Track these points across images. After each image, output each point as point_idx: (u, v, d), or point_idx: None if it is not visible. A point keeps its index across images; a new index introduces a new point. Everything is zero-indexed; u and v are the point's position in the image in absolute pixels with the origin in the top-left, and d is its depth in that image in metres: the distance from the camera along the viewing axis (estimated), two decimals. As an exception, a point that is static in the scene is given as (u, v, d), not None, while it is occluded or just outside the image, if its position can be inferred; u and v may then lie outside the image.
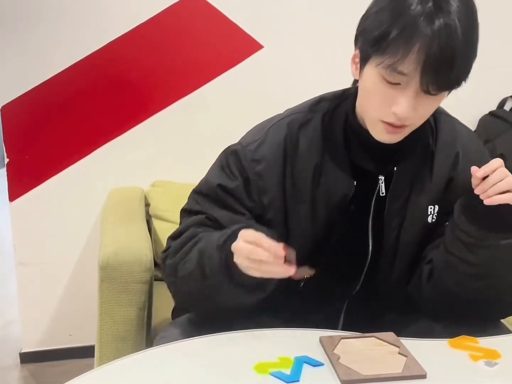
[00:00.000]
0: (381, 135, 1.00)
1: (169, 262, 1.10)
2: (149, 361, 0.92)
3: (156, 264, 1.87)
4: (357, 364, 0.89)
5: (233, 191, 1.09)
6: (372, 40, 0.93)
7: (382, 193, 1.07)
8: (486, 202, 0.93)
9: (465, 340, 0.99)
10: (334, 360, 0.90)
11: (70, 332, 2.28)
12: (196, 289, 1.05)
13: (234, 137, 1.18)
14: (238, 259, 0.94)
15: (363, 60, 0.98)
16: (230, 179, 1.10)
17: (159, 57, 2.14)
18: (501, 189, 0.92)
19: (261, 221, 1.08)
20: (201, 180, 1.17)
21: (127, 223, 1.79)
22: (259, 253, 0.90)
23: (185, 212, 1.17)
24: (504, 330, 1.07)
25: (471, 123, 2.44)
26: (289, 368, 0.89)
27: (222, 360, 0.92)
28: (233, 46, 2.19)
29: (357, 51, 1.00)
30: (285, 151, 1.08)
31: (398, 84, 0.92)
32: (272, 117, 1.16)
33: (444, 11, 0.88)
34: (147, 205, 2.06)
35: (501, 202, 0.93)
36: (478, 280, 1.01)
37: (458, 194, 1.06)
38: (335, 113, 1.09)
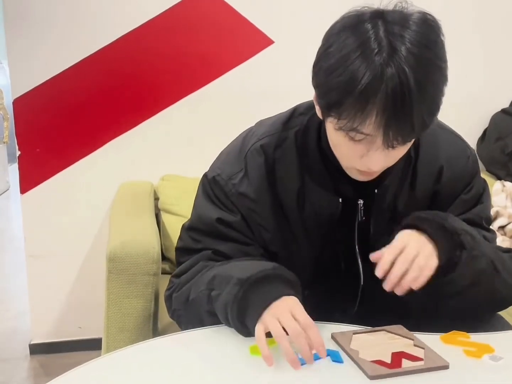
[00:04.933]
0: (356, 176, 0.96)
1: (176, 295, 1.05)
2: (149, 351, 0.92)
3: (163, 258, 1.88)
4: (381, 359, 0.87)
5: (235, 224, 1.04)
6: (326, 105, 0.87)
7: (363, 218, 1.03)
8: (399, 293, 0.91)
9: (456, 335, 0.97)
10: (355, 356, 0.87)
11: (80, 324, 2.30)
12: (202, 317, 1.00)
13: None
14: (272, 326, 0.86)
15: (323, 114, 0.91)
16: (228, 213, 1.04)
17: (169, 52, 2.15)
18: (408, 283, 0.90)
19: (267, 254, 1.05)
20: (192, 216, 1.10)
21: (136, 217, 1.80)
22: (302, 344, 0.84)
23: (182, 251, 1.10)
24: (495, 324, 1.07)
25: (483, 120, 2.42)
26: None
27: (221, 349, 0.92)
28: (243, 41, 2.20)
29: (316, 95, 0.91)
30: (268, 181, 1.03)
31: (364, 138, 0.86)
32: (244, 136, 1.10)
33: (395, 60, 0.79)
34: (156, 199, 2.07)
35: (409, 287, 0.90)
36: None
37: (444, 206, 1.04)
38: (308, 131, 1.03)
